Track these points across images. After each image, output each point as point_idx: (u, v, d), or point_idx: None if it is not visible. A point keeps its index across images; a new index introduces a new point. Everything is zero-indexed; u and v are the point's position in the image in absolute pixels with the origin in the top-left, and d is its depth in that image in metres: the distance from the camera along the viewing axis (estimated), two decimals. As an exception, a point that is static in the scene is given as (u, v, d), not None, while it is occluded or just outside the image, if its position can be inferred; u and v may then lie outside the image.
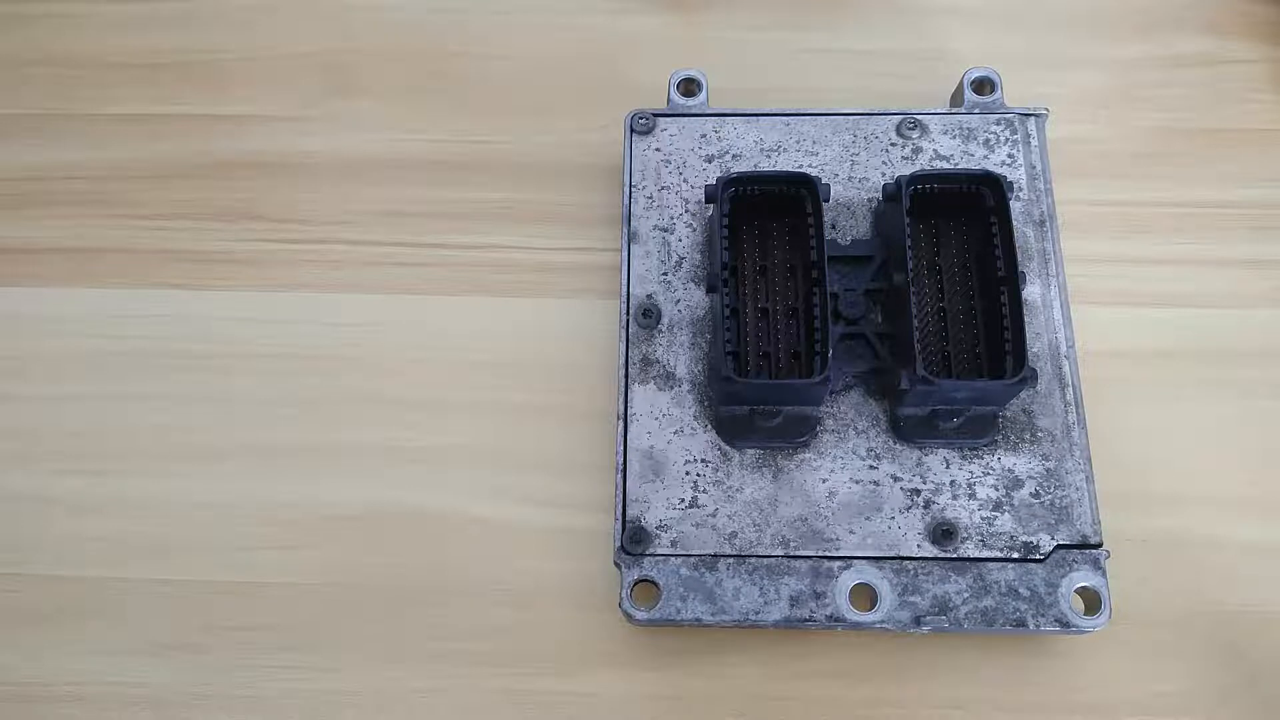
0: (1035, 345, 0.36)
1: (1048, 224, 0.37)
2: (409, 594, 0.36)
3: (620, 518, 0.34)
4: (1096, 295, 0.39)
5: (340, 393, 0.39)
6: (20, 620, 0.36)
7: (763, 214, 0.37)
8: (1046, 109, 0.39)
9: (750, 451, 0.35)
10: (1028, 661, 0.35)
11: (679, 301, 0.37)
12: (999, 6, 0.45)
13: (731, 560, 0.34)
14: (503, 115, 0.43)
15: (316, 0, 0.46)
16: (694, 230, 0.38)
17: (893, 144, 0.39)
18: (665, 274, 0.37)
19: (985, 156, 0.38)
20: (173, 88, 0.44)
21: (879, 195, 0.37)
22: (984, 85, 0.39)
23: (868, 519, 0.34)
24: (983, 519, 0.34)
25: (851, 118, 0.39)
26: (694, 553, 0.34)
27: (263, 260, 0.41)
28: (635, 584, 0.33)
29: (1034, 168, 0.38)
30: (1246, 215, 0.41)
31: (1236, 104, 0.43)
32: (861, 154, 0.39)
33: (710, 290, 0.35)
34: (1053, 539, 0.34)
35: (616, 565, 0.34)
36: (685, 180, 0.39)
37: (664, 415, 0.35)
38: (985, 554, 0.33)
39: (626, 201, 0.38)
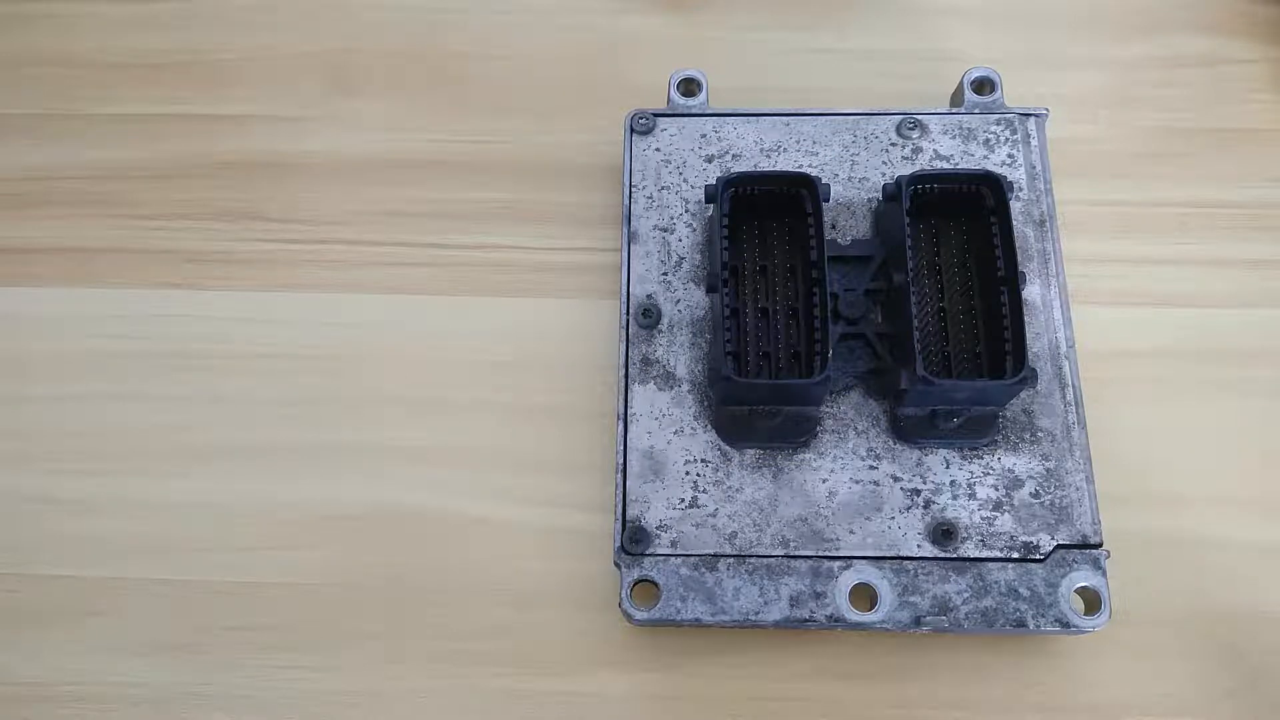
0: (1035, 345, 0.35)
1: (1048, 224, 0.37)
2: (409, 594, 0.36)
3: (620, 518, 0.34)
4: (1096, 295, 0.39)
5: (340, 393, 0.39)
6: (20, 620, 0.36)
7: (763, 214, 0.37)
8: (1046, 109, 0.39)
9: (750, 451, 0.35)
10: (1028, 661, 0.35)
11: (679, 301, 0.37)
12: (999, 6, 0.45)
13: (731, 560, 0.34)
14: (503, 115, 0.43)
15: (316, 0, 0.46)
16: (694, 230, 0.38)
17: (893, 144, 0.39)
18: (665, 274, 0.37)
19: (985, 156, 0.38)
20: (173, 88, 0.44)
21: (879, 195, 0.37)
22: (984, 85, 0.39)
23: (868, 519, 0.34)
24: (983, 519, 0.34)
25: (851, 118, 0.39)
26: (694, 553, 0.34)
27: (263, 260, 0.41)
28: (635, 584, 0.33)
29: (1034, 168, 0.38)
30: (1246, 215, 0.41)
31: (1236, 104, 0.43)
32: (861, 154, 0.39)
33: (710, 290, 0.35)
34: (1053, 539, 0.33)
35: (616, 565, 0.34)
36: (685, 180, 0.39)
37: (664, 415, 0.35)
38: (985, 554, 0.33)
39: (626, 201, 0.38)
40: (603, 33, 0.45)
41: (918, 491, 0.34)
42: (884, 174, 0.38)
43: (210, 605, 0.36)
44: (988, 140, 0.39)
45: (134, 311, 0.40)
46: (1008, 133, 0.39)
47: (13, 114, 0.44)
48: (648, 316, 0.37)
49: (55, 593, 0.37)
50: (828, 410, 0.35)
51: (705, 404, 0.35)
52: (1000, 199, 0.34)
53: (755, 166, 0.39)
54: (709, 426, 0.35)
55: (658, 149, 0.39)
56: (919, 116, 0.39)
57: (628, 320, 0.37)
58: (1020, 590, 0.33)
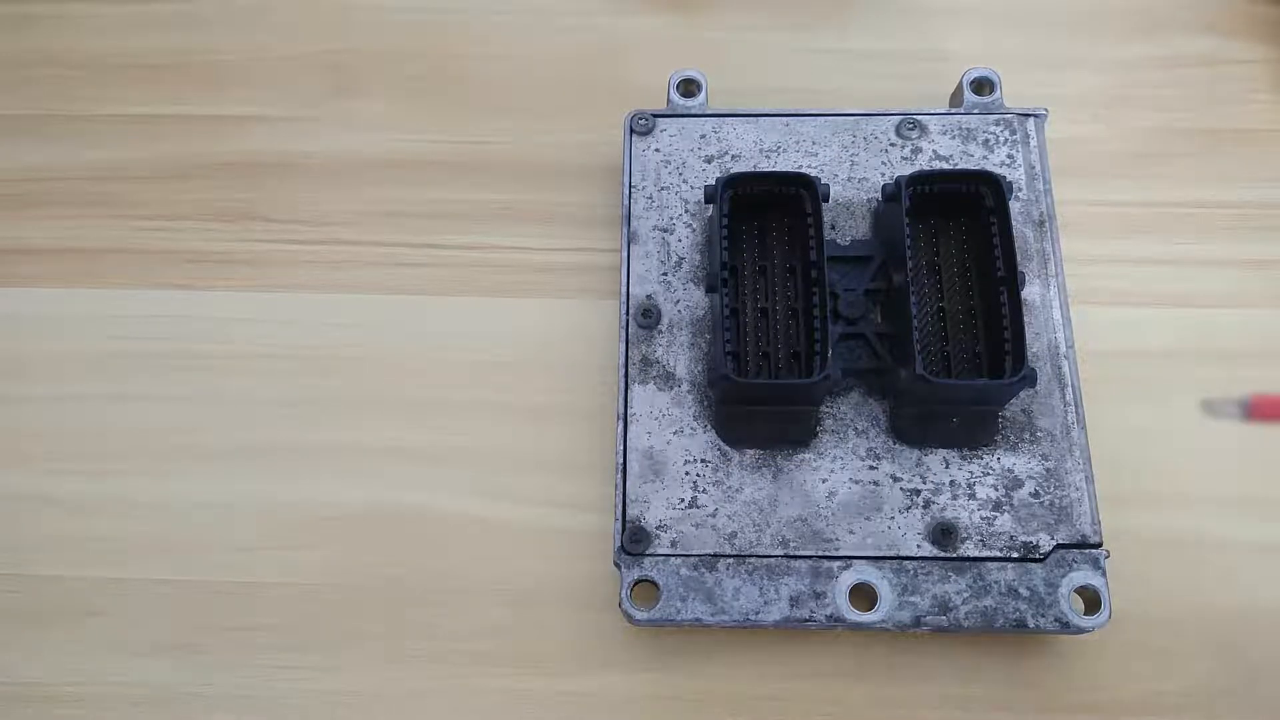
0: (1035, 345, 0.36)
1: (1047, 224, 0.37)
2: (409, 594, 0.36)
3: (620, 518, 0.34)
4: (1096, 295, 0.39)
5: (340, 393, 0.39)
6: (20, 620, 0.36)
7: (763, 214, 0.37)
8: (1046, 109, 0.39)
9: (750, 451, 0.35)
10: (1028, 661, 0.35)
11: (679, 301, 0.37)
12: (999, 6, 0.45)
13: (731, 560, 0.34)
14: (503, 115, 0.43)
15: (316, 0, 0.46)
16: (694, 230, 0.38)
17: (892, 144, 0.39)
18: (665, 274, 0.37)
19: (985, 157, 0.38)
20: (173, 88, 0.44)
21: (879, 195, 0.37)
22: (983, 85, 0.39)
23: (867, 519, 0.34)
24: (982, 519, 0.34)
25: (851, 118, 0.39)
26: (694, 553, 0.34)
27: (263, 260, 0.41)
28: (635, 584, 0.33)
29: (1033, 168, 0.38)
30: (1246, 215, 0.41)
31: (1236, 104, 0.43)
32: (861, 154, 0.39)
33: (710, 290, 0.35)
34: (1052, 539, 0.34)
35: (616, 565, 0.34)
36: (685, 180, 0.39)
37: (664, 415, 0.35)
38: (985, 554, 0.33)
39: (626, 202, 0.38)
40: (603, 33, 0.45)
41: (917, 491, 0.34)
42: (883, 174, 0.38)
43: (210, 605, 0.36)
44: (987, 140, 0.39)
45: (134, 311, 0.40)
46: (1007, 133, 0.39)
47: (13, 114, 0.44)
48: (648, 316, 0.37)
49: (55, 593, 0.37)
50: (827, 410, 0.35)
51: (705, 404, 0.36)
52: (1000, 199, 0.34)
53: (755, 167, 0.39)
54: (709, 426, 0.35)
55: (657, 149, 0.39)
56: (918, 117, 0.39)
57: (628, 320, 0.37)
58: (1020, 590, 0.33)
